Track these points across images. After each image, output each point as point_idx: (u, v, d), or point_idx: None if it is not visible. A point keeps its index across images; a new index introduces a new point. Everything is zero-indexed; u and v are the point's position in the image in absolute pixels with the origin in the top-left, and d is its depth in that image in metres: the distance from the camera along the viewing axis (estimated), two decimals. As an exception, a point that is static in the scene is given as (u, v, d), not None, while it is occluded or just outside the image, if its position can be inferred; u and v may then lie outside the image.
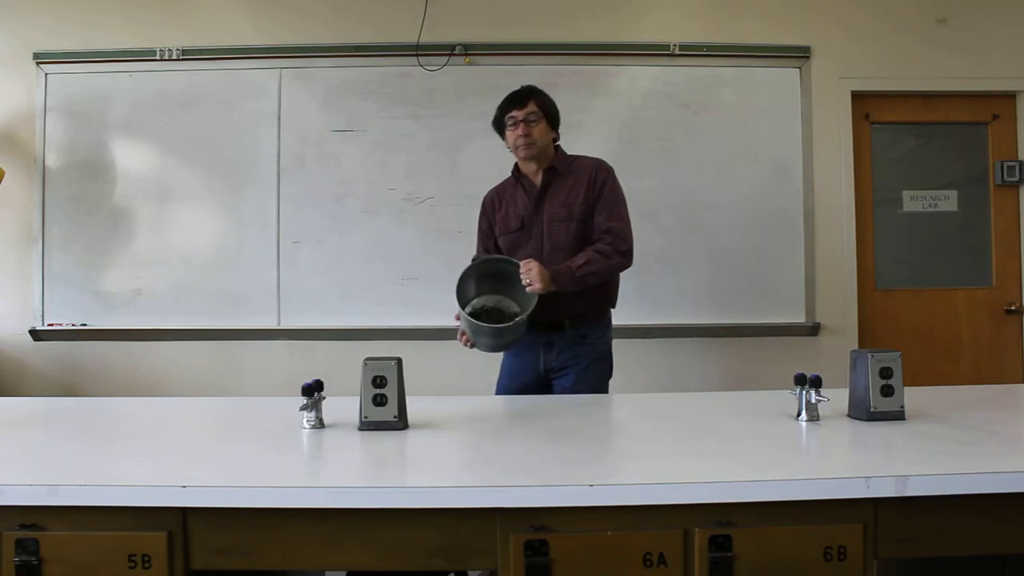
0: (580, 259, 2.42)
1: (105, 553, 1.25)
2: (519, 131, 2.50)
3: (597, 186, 2.54)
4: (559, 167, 2.56)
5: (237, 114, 3.63)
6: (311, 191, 3.62)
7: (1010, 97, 3.79)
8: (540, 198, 2.55)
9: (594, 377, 2.51)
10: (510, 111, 2.52)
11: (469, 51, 3.61)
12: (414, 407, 1.78)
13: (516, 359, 2.58)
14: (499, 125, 2.58)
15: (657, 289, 3.62)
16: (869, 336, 3.72)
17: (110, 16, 3.64)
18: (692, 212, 3.64)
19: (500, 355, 2.64)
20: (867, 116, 3.77)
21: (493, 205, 2.66)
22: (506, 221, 2.60)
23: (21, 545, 1.25)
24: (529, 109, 2.51)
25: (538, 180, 2.57)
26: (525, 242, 2.55)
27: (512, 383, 2.57)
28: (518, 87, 2.59)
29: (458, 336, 2.48)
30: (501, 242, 2.62)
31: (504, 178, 2.68)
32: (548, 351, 2.51)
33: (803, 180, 3.67)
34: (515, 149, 2.54)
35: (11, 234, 3.64)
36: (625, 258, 2.55)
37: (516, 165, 2.63)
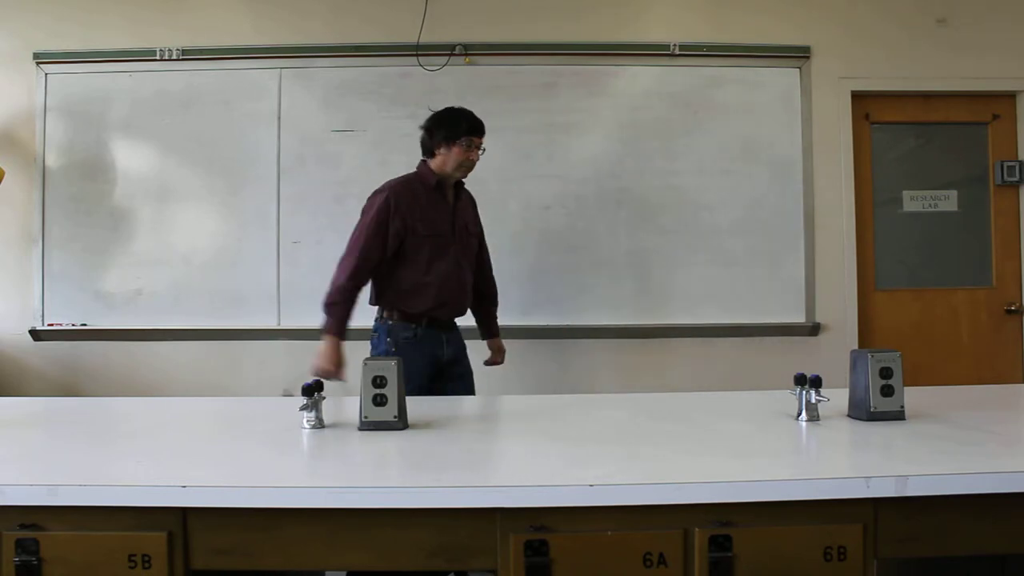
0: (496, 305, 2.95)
1: (105, 553, 1.25)
2: (474, 156, 2.66)
3: (479, 218, 2.86)
4: (463, 183, 2.78)
5: (237, 114, 3.63)
6: (311, 191, 3.62)
7: (1010, 97, 3.79)
8: (454, 209, 2.71)
9: (470, 363, 2.79)
10: (475, 136, 2.66)
11: (469, 51, 3.61)
12: (414, 407, 1.78)
13: (420, 357, 2.60)
14: (453, 136, 2.63)
15: (657, 289, 3.62)
16: (869, 336, 3.72)
17: (110, 16, 3.64)
18: (692, 212, 3.64)
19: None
20: (867, 116, 3.77)
21: (409, 205, 2.61)
22: (433, 224, 2.65)
23: (21, 545, 1.25)
24: (483, 142, 2.69)
25: (450, 192, 2.72)
26: (448, 247, 2.66)
27: (420, 380, 2.58)
28: (478, 116, 2.76)
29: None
30: (424, 243, 2.61)
31: (412, 175, 2.73)
32: (446, 346, 2.68)
33: (803, 180, 3.66)
34: (457, 167, 2.66)
35: (11, 234, 3.64)
36: None
37: (427, 170, 2.69)
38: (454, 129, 2.64)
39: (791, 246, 3.66)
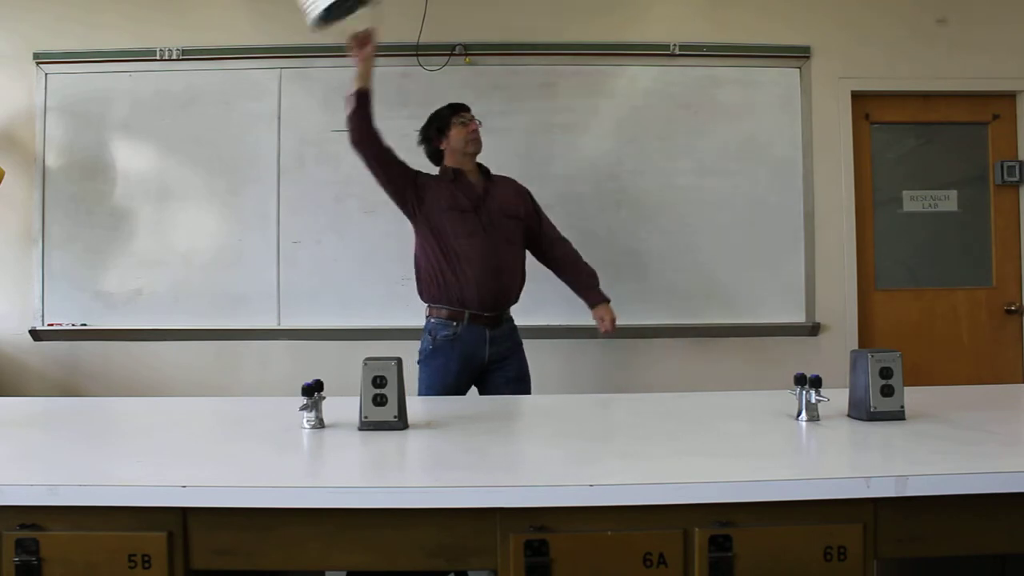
0: (591, 271, 2.91)
1: (105, 553, 1.25)
2: (472, 126, 2.73)
3: (531, 200, 2.90)
4: (489, 170, 2.82)
5: (237, 114, 3.63)
6: (311, 191, 3.62)
7: (1010, 97, 3.79)
8: (483, 195, 2.73)
9: (525, 364, 2.78)
10: (460, 112, 2.76)
11: (469, 51, 3.61)
12: (414, 407, 1.78)
13: (458, 358, 2.63)
14: (443, 125, 2.75)
15: (657, 289, 3.61)
16: (869, 336, 3.72)
17: (110, 16, 3.64)
18: (692, 212, 3.64)
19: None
20: (867, 116, 3.77)
21: (429, 181, 2.75)
22: (455, 199, 2.69)
23: (21, 545, 1.25)
24: (472, 115, 2.77)
25: (476, 179, 2.76)
26: (475, 226, 2.67)
27: (454, 380, 2.63)
28: (459, 101, 2.84)
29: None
30: (447, 218, 2.66)
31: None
32: (491, 344, 2.66)
33: (803, 180, 3.66)
34: (465, 144, 2.73)
35: (11, 234, 3.64)
36: None
37: (444, 168, 2.77)
38: (440, 120, 2.77)
39: (791, 246, 3.66)
